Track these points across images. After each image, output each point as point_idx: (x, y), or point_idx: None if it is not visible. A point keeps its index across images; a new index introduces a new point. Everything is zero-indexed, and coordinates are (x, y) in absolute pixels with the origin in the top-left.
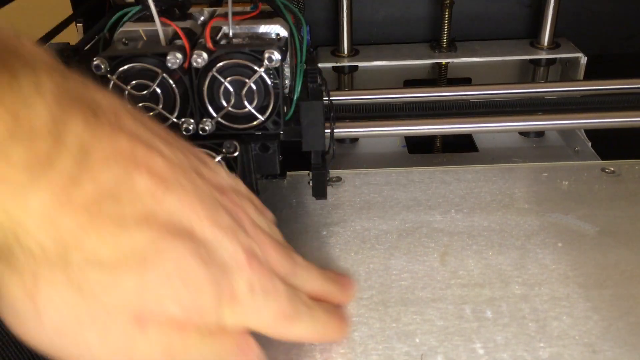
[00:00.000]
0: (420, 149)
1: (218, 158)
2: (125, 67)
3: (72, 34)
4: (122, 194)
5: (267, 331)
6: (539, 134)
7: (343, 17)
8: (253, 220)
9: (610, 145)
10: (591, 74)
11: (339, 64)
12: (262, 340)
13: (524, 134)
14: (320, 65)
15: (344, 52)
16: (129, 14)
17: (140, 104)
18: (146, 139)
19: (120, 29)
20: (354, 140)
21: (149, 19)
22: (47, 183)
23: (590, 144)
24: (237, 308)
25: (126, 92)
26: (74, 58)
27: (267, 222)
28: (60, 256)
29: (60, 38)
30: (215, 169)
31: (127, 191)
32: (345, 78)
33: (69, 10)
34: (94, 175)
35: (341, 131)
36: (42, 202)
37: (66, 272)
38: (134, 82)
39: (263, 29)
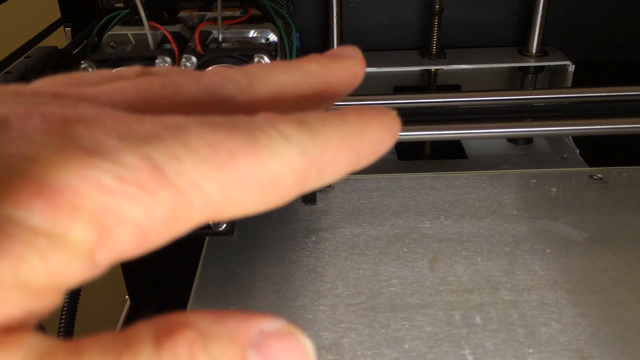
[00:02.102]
0: (410, 156)
1: None
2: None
3: (61, 38)
4: None
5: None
6: (528, 141)
7: (333, 23)
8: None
9: (597, 152)
10: (579, 82)
11: None
12: None
13: (512, 141)
14: None
15: None
16: (118, 18)
17: None
18: None
19: (109, 33)
20: None
21: (138, 22)
22: None
23: (578, 151)
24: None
25: None
26: (62, 61)
27: None
28: None
29: (48, 41)
30: None
31: None
32: None
33: (57, 14)
34: None
35: None
36: None
37: None
38: None
39: (253, 33)
